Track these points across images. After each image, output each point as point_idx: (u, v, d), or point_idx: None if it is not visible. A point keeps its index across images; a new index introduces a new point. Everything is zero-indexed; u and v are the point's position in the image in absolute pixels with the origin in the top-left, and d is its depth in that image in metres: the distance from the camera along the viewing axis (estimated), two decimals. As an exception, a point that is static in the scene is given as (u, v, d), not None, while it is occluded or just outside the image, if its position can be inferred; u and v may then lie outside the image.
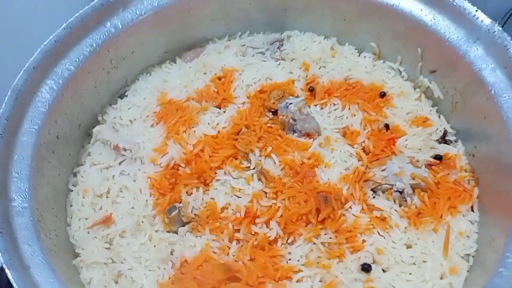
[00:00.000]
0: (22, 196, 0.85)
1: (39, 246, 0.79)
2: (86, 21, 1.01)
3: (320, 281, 0.87)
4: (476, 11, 0.93)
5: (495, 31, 0.91)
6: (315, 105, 1.10)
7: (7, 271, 0.70)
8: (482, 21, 0.93)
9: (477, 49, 0.94)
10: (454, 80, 1.02)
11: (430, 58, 1.06)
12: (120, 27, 1.06)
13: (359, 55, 1.20)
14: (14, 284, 0.70)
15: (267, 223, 0.92)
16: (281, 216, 0.92)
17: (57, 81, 0.97)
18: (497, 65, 0.91)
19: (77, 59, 1.00)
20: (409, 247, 0.91)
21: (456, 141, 1.05)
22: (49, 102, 0.95)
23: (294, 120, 1.04)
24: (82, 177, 1.03)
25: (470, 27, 0.95)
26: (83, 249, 0.93)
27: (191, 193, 0.97)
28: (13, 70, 0.89)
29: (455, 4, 0.96)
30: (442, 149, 1.03)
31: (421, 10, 1.01)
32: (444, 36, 0.99)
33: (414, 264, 0.89)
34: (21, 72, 0.91)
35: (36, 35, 0.94)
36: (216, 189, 0.98)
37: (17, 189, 0.85)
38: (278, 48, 1.22)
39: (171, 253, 0.91)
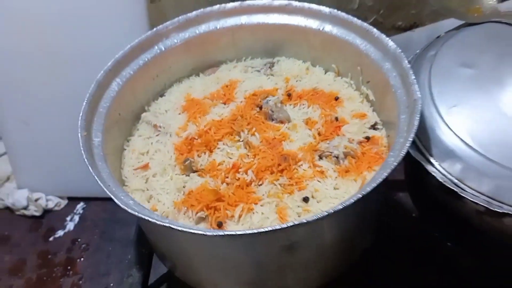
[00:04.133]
0: (99, 146, 1.38)
1: (108, 170, 1.29)
2: (142, 44, 1.58)
3: (276, 205, 1.29)
4: (388, 40, 1.43)
5: (396, 53, 1.40)
6: (290, 104, 1.55)
7: (96, 178, 1.20)
8: (391, 46, 1.42)
9: (387, 64, 1.43)
10: (378, 87, 1.50)
11: (366, 72, 1.53)
12: (163, 49, 1.61)
13: (325, 73, 1.66)
14: (102, 186, 1.18)
15: (245, 172, 1.34)
16: (255, 167, 1.35)
17: (122, 79, 1.53)
18: (397, 74, 1.39)
19: (135, 67, 1.56)
20: (336, 189, 1.32)
21: (381, 128, 1.50)
22: (116, 91, 1.50)
23: (272, 111, 1.52)
24: (132, 142, 1.57)
25: (384, 50, 1.44)
26: (129, 182, 1.45)
27: (200, 156, 1.42)
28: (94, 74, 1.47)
29: (377, 36, 1.47)
30: (371, 133, 1.46)
31: (357, 40, 1.52)
32: (370, 56, 1.48)
33: (337, 198, 1.32)
34: (102, 72, 1.48)
35: (110, 53, 1.53)
36: (216, 154, 1.42)
37: (96, 138, 1.39)
38: (270, 68, 1.73)
39: (183, 187, 1.40)
